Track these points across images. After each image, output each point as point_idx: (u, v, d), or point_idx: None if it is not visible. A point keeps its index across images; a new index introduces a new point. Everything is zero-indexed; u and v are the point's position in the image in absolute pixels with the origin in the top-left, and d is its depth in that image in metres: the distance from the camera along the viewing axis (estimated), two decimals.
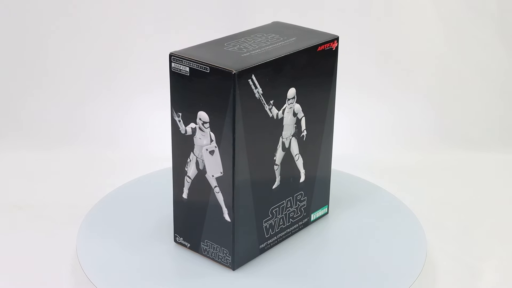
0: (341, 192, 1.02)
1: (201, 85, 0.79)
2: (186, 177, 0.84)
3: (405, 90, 1.34)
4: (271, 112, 0.81)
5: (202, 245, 0.85)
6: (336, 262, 0.87)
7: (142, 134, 1.28)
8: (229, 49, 0.82)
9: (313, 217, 0.93)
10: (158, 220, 0.95)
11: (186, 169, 0.83)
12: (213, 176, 0.81)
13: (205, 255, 0.86)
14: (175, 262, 0.87)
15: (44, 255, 0.97)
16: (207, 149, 0.81)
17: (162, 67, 1.32)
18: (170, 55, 0.80)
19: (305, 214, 0.92)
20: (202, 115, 0.80)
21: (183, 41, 1.31)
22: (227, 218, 0.82)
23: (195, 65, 0.78)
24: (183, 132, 0.82)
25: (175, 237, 0.88)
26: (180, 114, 0.81)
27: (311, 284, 0.83)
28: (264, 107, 0.80)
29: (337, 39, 0.88)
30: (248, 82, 0.77)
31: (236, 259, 0.84)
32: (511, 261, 1.00)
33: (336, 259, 0.88)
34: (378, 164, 1.23)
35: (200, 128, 0.80)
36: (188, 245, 0.87)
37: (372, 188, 1.03)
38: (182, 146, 0.83)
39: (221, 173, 0.81)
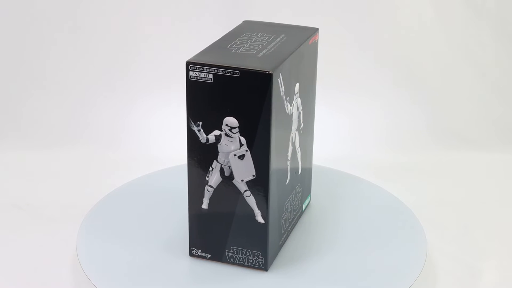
0: (341, 192, 1.02)
1: (228, 90, 0.77)
2: (207, 187, 0.82)
3: (405, 90, 1.34)
4: (287, 109, 0.82)
5: (227, 253, 0.85)
6: (336, 262, 0.87)
7: (143, 134, 1.28)
8: (239, 51, 0.81)
9: (303, 207, 0.95)
10: (158, 220, 0.95)
11: (207, 178, 0.82)
12: (242, 180, 0.81)
13: (230, 262, 0.85)
14: (175, 262, 0.87)
15: (44, 255, 0.97)
16: (235, 154, 0.80)
17: (163, 68, 1.32)
18: (188, 64, 0.78)
19: (300, 205, 0.93)
20: (230, 121, 0.78)
21: (183, 41, 1.31)
22: (260, 220, 0.82)
23: (220, 71, 0.77)
24: (203, 141, 0.80)
25: (191, 250, 0.86)
26: (200, 123, 0.79)
27: (311, 284, 0.83)
28: (284, 104, 0.81)
29: (317, 31, 0.90)
30: (278, 82, 0.78)
31: (269, 260, 0.84)
32: (511, 261, 1.00)
33: (336, 259, 0.88)
34: (378, 164, 1.23)
35: (226, 134, 0.79)
36: (209, 256, 0.85)
37: (372, 188, 1.03)
38: (201, 155, 0.81)
39: (253, 176, 0.80)
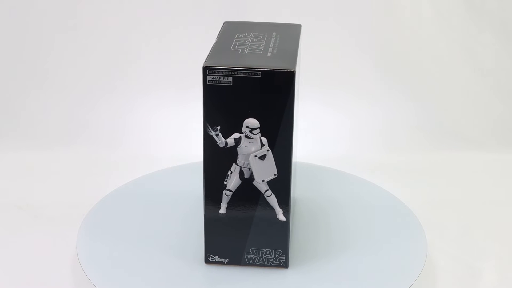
0: (341, 192, 1.02)
1: (249, 92, 0.77)
2: (225, 191, 0.82)
3: (405, 90, 1.34)
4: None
5: (245, 255, 0.85)
6: (335, 262, 0.87)
7: (143, 134, 1.28)
8: (246, 53, 0.81)
9: None
10: (158, 220, 0.95)
11: (225, 182, 0.81)
12: (263, 181, 0.81)
13: (249, 264, 0.85)
14: (175, 262, 0.87)
15: (44, 255, 0.97)
16: (256, 155, 0.80)
17: (164, 68, 1.32)
18: (205, 69, 0.76)
19: None
20: (251, 122, 0.78)
21: (184, 42, 1.31)
22: (282, 218, 0.82)
23: (241, 73, 0.76)
24: (222, 145, 0.79)
25: (207, 257, 0.85)
26: (219, 127, 0.79)
27: (311, 283, 0.83)
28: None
29: (301, 27, 0.90)
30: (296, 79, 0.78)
31: (289, 257, 0.85)
32: (511, 261, 1.00)
33: (336, 259, 0.88)
34: (378, 164, 1.23)
35: (247, 136, 0.79)
36: (226, 260, 0.85)
37: (372, 188, 1.03)
38: (218, 160, 0.80)
39: (274, 175, 0.80)
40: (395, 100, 1.33)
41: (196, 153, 1.18)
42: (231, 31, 0.87)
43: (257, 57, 0.79)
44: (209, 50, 0.82)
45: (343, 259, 0.88)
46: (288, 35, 0.87)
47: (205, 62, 0.77)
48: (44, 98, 1.30)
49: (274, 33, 0.86)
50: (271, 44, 0.83)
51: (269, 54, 0.80)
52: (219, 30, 0.89)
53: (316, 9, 1.32)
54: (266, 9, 1.31)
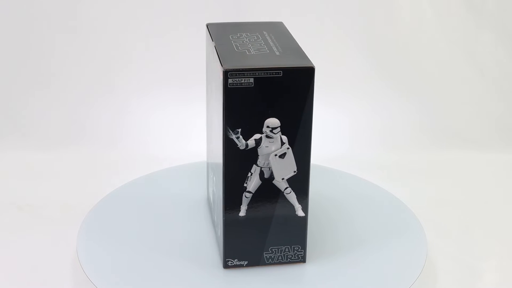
0: (341, 192, 1.02)
1: (270, 92, 0.77)
2: (245, 194, 0.82)
3: (406, 90, 1.34)
4: None
5: (264, 255, 0.85)
6: (335, 261, 0.87)
7: (143, 135, 1.28)
8: (253, 53, 0.80)
9: None
10: (158, 220, 0.95)
11: (245, 185, 0.81)
12: (283, 179, 0.81)
13: (268, 263, 0.85)
14: (175, 261, 0.87)
15: (44, 255, 0.97)
16: (276, 154, 0.80)
17: (163, 68, 1.32)
18: (226, 72, 0.76)
19: None
20: (271, 122, 0.78)
21: (184, 42, 1.31)
22: (301, 213, 0.83)
23: (262, 73, 0.76)
24: (242, 147, 0.79)
25: (226, 262, 0.85)
26: (239, 130, 0.79)
27: (311, 283, 0.83)
28: None
29: (282, 24, 0.91)
30: None
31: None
32: (511, 261, 1.00)
33: (336, 259, 0.88)
34: (378, 163, 1.23)
35: (267, 136, 0.79)
36: (246, 263, 0.85)
37: (372, 188, 1.03)
38: (238, 163, 0.80)
39: (294, 172, 0.81)
40: (395, 100, 1.33)
41: (196, 153, 1.19)
42: (223, 33, 0.87)
43: (269, 57, 0.79)
44: (214, 53, 0.82)
45: (343, 259, 0.88)
46: (279, 32, 0.87)
47: (223, 65, 0.76)
48: (44, 99, 1.30)
49: (264, 32, 0.87)
50: (271, 43, 0.83)
51: (277, 53, 0.80)
52: (207, 32, 0.88)
53: (316, 9, 1.32)
54: (266, 9, 1.31)
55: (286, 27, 0.90)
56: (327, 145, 1.26)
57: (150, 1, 1.30)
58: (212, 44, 0.84)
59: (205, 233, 0.92)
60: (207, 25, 0.90)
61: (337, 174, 1.07)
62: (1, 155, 1.23)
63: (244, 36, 0.85)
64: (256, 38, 0.85)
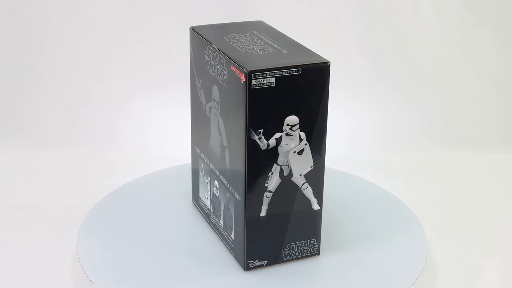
0: (341, 192, 1.02)
1: (290, 90, 0.77)
2: (265, 193, 0.82)
3: (406, 90, 1.34)
4: None
5: (283, 252, 0.85)
6: (336, 262, 0.87)
7: (142, 135, 1.28)
8: (261, 53, 0.80)
9: None
10: (158, 220, 0.95)
11: (266, 185, 0.81)
12: (301, 175, 0.82)
13: (287, 260, 0.85)
14: (175, 261, 0.87)
15: (44, 255, 0.97)
16: (294, 151, 0.80)
17: (163, 68, 1.32)
18: (250, 73, 0.75)
19: None
20: (291, 119, 0.79)
21: (184, 41, 1.31)
22: (316, 207, 0.84)
23: (283, 72, 0.76)
24: (264, 148, 0.79)
25: (248, 264, 0.84)
26: (261, 130, 0.78)
27: (311, 283, 0.84)
28: None
29: (263, 22, 0.92)
30: None
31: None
32: (511, 261, 1.00)
33: (336, 259, 0.88)
34: (378, 163, 1.23)
35: (287, 134, 0.79)
36: (266, 262, 0.85)
37: (372, 188, 1.03)
38: (260, 164, 0.80)
39: (311, 167, 0.82)
40: (395, 100, 1.33)
41: None
42: (216, 35, 0.87)
43: (280, 55, 0.80)
44: (216, 54, 0.82)
45: (342, 259, 0.88)
46: (269, 31, 0.88)
47: (244, 67, 0.76)
48: (44, 99, 1.30)
49: (255, 31, 0.87)
50: (271, 42, 0.83)
51: (285, 52, 0.81)
52: (193, 35, 0.88)
53: (316, 9, 1.32)
54: (266, 9, 1.31)
55: (269, 25, 0.90)
56: (328, 146, 1.26)
57: (151, 1, 1.30)
58: (208, 46, 0.84)
59: (205, 233, 0.92)
60: (192, 28, 0.89)
61: (337, 174, 1.07)
62: (1, 155, 1.23)
63: (238, 37, 0.85)
64: (252, 38, 0.85)
